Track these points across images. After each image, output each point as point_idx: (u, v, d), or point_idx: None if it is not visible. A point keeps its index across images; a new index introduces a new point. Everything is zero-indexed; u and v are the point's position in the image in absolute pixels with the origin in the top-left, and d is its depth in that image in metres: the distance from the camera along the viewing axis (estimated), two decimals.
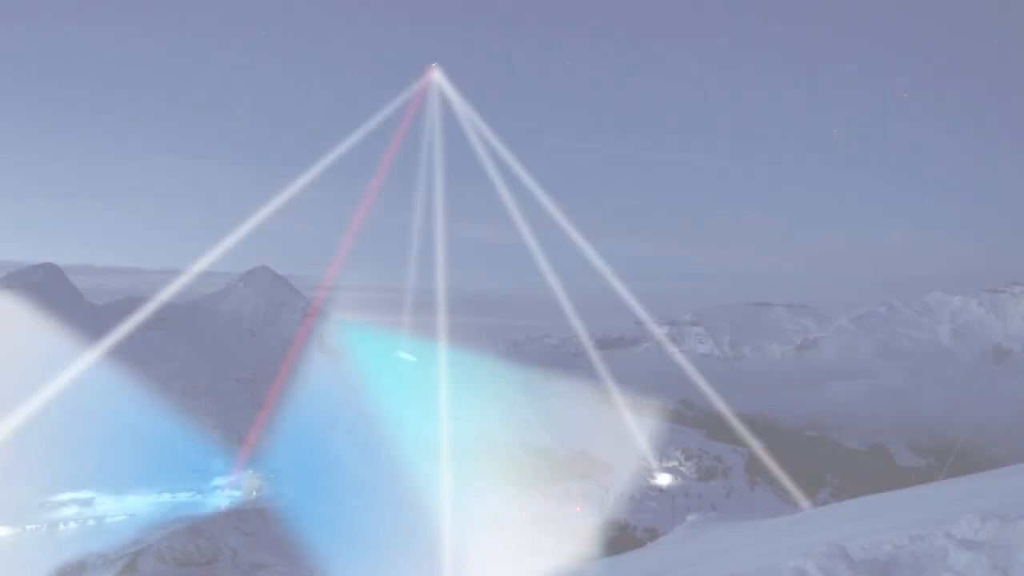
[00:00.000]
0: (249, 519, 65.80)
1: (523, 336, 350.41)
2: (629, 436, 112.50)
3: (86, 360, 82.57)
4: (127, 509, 66.23)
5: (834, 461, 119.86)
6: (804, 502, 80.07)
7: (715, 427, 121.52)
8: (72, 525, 62.76)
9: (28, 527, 61.12)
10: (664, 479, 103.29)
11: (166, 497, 69.33)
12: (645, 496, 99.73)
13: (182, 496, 70.35)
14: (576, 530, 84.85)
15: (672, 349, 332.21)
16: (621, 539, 77.36)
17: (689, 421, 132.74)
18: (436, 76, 75.75)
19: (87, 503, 65.95)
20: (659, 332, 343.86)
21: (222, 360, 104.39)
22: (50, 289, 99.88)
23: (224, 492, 73.61)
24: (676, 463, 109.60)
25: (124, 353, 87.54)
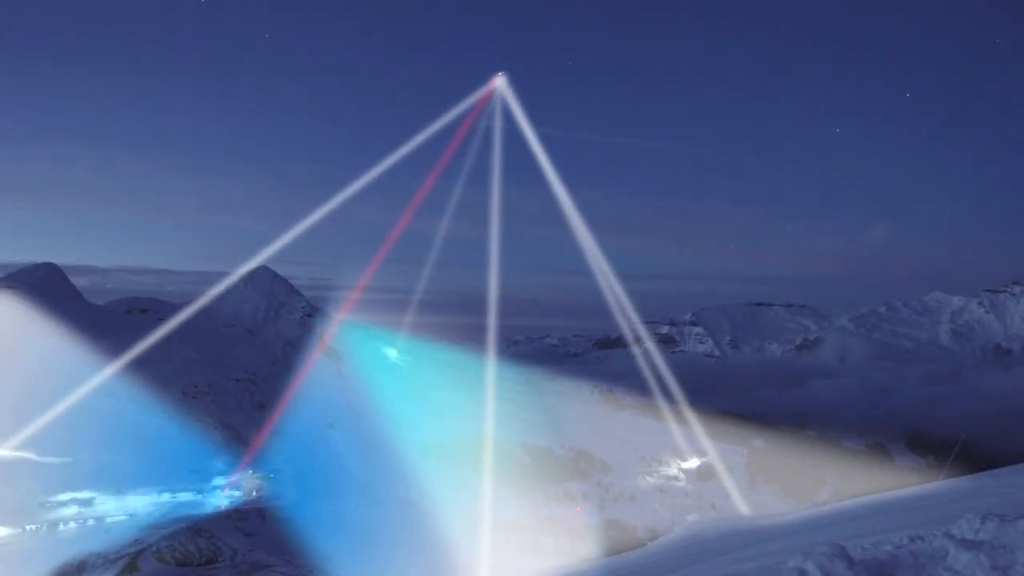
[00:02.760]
0: (249, 519, 65.75)
1: (523, 336, 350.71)
2: (629, 436, 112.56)
3: (86, 360, 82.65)
4: (127, 509, 66.15)
5: (833, 461, 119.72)
6: (803, 502, 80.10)
7: (715, 427, 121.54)
8: (72, 525, 62.66)
9: (28, 527, 61.03)
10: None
11: (166, 497, 69.26)
12: (645, 496, 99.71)
13: (182, 496, 70.28)
14: (576, 530, 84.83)
15: (672, 349, 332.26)
16: (621, 539, 77.32)
17: (689, 421, 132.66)
18: (501, 84, 75.18)
19: (87, 503, 65.87)
20: (659, 332, 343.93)
21: (222, 360, 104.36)
22: (50, 289, 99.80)
23: (224, 492, 73.55)
24: (676, 463, 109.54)
25: (124, 353, 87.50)
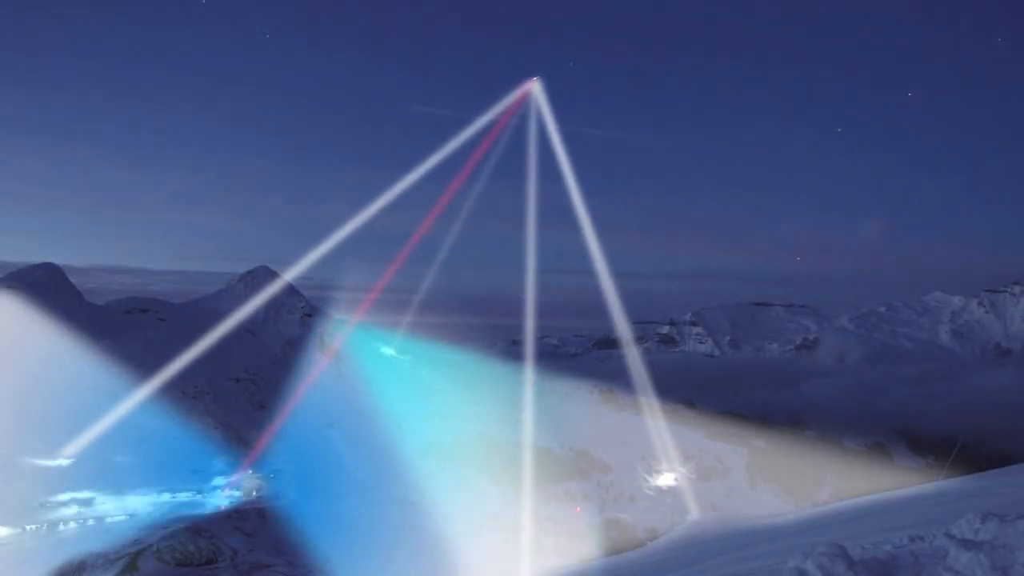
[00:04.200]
0: (249, 519, 65.75)
1: (523, 336, 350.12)
2: (629, 436, 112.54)
3: (85, 360, 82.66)
4: (127, 509, 66.19)
5: (833, 461, 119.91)
6: (803, 502, 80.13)
7: (715, 427, 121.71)
8: (72, 525, 62.69)
9: (28, 527, 61.07)
10: (666, 479, 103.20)
11: (166, 497, 69.28)
12: (645, 496, 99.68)
13: (182, 496, 70.31)
14: (576, 530, 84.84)
15: (672, 349, 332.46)
16: (621, 539, 77.34)
17: (689, 421, 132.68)
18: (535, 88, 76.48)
19: (87, 503, 65.90)
20: (659, 332, 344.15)
21: (222, 360, 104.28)
22: (50, 289, 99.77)
23: (224, 492, 73.56)
24: (676, 463, 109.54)
25: (124, 353, 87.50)
